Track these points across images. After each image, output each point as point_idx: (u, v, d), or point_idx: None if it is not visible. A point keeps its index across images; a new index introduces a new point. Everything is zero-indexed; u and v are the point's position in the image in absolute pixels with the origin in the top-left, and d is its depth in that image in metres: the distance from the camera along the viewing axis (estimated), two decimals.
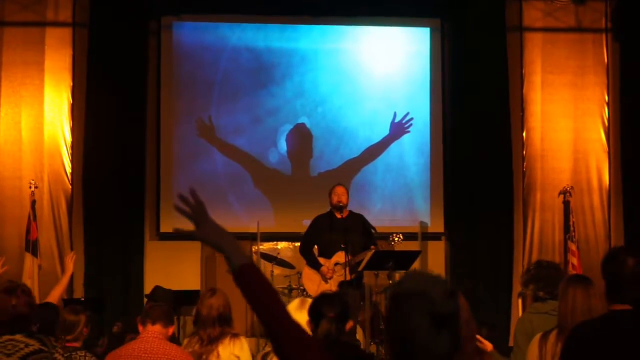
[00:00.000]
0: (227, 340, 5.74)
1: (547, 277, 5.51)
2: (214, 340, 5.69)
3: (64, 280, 8.28)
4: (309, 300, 4.84)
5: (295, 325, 2.59)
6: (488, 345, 4.80)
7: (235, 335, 5.80)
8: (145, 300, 9.64)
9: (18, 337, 4.80)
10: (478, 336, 4.59)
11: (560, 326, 4.61)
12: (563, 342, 4.10)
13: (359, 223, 9.82)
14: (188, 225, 2.73)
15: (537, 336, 4.78)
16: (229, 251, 2.64)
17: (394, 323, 2.50)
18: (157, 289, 9.22)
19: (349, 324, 4.74)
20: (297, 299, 4.95)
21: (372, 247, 9.55)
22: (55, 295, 7.81)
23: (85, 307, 6.39)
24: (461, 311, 2.52)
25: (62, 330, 5.95)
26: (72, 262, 8.47)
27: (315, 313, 4.56)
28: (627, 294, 3.80)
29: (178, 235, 10.79)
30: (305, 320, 4.58)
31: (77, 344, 5.96)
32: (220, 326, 5.75)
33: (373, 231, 9.82)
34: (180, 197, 2.70)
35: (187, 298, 8.96)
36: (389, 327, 2.54)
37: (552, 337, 4.65)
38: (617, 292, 3.83)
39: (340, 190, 9.87)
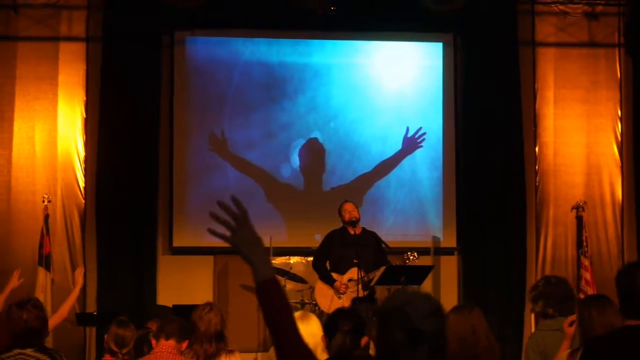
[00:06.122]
0: (223, 357, 5.76)
1: (556, 294, 5.42)
2: (210, 357, 5.69)
3: (74, 295, 8.24)
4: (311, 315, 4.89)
5: (304, 350, 2.65)
6: None
7: (230, 352, 5.84)
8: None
9: (29, 351, 4.81)
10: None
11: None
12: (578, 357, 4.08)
13: (372, 240, 9.78)
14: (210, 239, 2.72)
15: (565, 354, 4.74)
16: (256, 263, 2.68)
17: (378, 338, 2.65)
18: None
19: (364, 340, 4.75)
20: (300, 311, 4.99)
21: (384, 266, 9.54)
22: (65, 309, 7.81)
23: (97, 321, 6.33)
24: (457, 328, 2.61)
25: (117, 345, 5.92)
26: (82, 276, 8.40)
27: (330, 327, 4.60)
28: None
29: (191, 250, 10.96)
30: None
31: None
32: (216, 343, 5.77)
33: (384, 246, 9.78)
34: (220, 204, 2.72)
35: None
36: (375, 341, 2.68)
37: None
38: (630, 308, 3.80)
39: (349, 206, 9.84)
